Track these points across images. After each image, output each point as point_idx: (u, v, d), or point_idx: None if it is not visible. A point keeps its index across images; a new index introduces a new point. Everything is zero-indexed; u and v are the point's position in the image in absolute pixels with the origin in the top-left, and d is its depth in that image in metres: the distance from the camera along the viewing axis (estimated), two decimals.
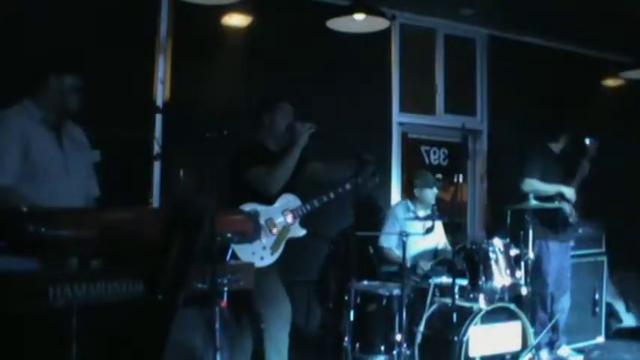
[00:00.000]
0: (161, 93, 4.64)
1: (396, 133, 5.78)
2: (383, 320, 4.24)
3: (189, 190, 3.82)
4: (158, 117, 4.53)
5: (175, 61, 4.70)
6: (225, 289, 2.50)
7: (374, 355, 4.22)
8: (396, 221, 4.88)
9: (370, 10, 4.23)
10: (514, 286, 4.38)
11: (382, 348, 4.21)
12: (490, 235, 5.03)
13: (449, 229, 5.13)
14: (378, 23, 4.40)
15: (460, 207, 5.86)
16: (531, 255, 4.68)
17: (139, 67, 4.54)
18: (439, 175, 5.21)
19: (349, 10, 4.24)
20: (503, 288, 4.32)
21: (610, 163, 5.66)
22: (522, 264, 4.60)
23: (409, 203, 5.04)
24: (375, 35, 4.65)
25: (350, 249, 4.28)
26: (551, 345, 5.11)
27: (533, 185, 4.92)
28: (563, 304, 5.11)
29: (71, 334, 1.99)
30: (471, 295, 4.33)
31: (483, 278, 4.28)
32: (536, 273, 4.89)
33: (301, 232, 3.88)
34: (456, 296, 4.07)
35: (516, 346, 4.24)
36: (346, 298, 4.18)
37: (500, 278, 4.30)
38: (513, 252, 4.48)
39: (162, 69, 4.66)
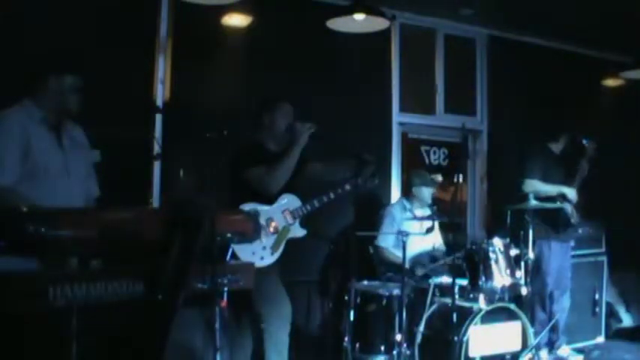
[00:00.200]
0: (161, 93, 4.64)
1: (396, 133, 5.78)
2: (383, 320, 4.24)
3: (189, 190, 3.82)
4: (158, 117, 4.53)
5: (175, 61, 4.70)
6: (225, 289, 2.50)
7: (374, 355, 4.22)
8: (394, 221, 4.88)
9: (370, 10, 4.23)
10: (514, 286, 4.38)
11: (382, 348, 4.21)
12: (490, 235, 5.03)
13: (449, 229, 5.13)
14: (378, 23, 4.40)
15: (460, 207, 5.86)
16: (531, 255, 4.68)
17: (139, 67, 4.54)
18: (439, 175, 5.20)
19: (349, 10, 4.24)
20: (503, 288, 4.32)
21: (610, 163, 5.66)
22: (522, 264, 4.60)
23: (405, 202, 5.04)
24: (375, 35, 4.65)
25: (350, 249, 4.28)
26: (551, 345, 5.11)
27: (535, 186, 4.92)
28: (564, 304, 5.11)
29: (71, 334, 1.99)
30: (471, 295, 4.34)
31: (483, 278, 4.28)
32: (536, 273, 4.90)
33: (301, 232, 3.88)
34: (456, 296, 4.08)
35: (516, 346, 4.24)
36: (346, 298, 4.18)
37: (500, 278, 4.30)
38: (513, 252, 4.48)
39: (162, 69, 4.66)
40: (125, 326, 2.16)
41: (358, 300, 4.26)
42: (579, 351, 5.29)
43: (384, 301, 4.26)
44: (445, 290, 4.46)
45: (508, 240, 4.50)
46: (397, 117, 5.78)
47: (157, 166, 4.52)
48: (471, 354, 4.04)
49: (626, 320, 6.03)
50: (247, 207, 3.66)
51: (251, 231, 2.74)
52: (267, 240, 3.72)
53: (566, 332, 5.17)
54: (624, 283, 6.06)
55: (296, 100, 3.98)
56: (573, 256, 5.33)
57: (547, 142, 5.23)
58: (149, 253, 2.20)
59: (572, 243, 5.29)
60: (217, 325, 2.50)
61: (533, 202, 4.69)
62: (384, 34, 5.32)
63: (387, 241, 4.90)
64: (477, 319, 4.07)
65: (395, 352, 4.11)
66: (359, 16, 4.25)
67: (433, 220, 4.78)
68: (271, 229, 3.74)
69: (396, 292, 4.21)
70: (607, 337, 5.74)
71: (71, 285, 1.98)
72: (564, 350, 5.16)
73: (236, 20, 4.96)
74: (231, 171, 3.78)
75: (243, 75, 4.89)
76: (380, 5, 4.41)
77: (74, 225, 2.06)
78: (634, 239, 5.93)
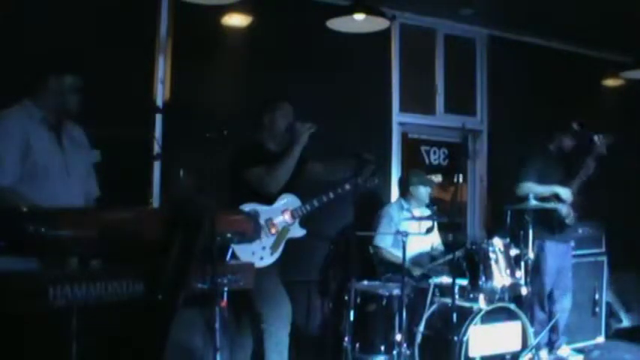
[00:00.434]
0: (161, 93, 4.64)
1: (396, 133, 5.78)
2: (383, 320, 4.24)
3: (189, 190, 3.82)
4: (158, 117, 4.53)
5: (175, 61, 4.70)
6: (225, 289, 2.50)
7: (374, 355, 4.21)
8: (391, 221, 4.88)
9: (370, 10, 4.23)
10: (514, 286, 4.39)
11: (382, 348, 4.21)
12: (490, 235, 5.02)
13: (449, 229, 5.13)
14: (378, 23, 4.40)
15: (460, 207, 5.86)
16: (531, 255, 4.68)
17: (139, 67, 4.54)
18: (438, 175, 5.19)
19: (349, 10, 4.24)
20: (503, 288, 4.32)
21: (610, 163, 5.66)
22: (522, 264, 4.60)
23: (402, 202, 5.04)
24: (375, 35, 4.65)
25: (350, 249, 4.28)
26: (551, 345, 5.11)
27: (529, 189, 4.86)
28: (565, 304, 5.10)
29: (71, 334, 1.99)
30: (471, 295, 4.34)
31: (483, 278, 4.28)
32: (535, 273, 4.89)
33: (301, 232, 3.88)
34: (456, 296, 4.07)
35: (516, 346, 4.24)
36: (346, 298, 4.18)
37: (500, 278, 4.30)
38: (513, 252, 4.48)
39: (163, 69, 4.66)
40: (125, 326, 2.16)
41: (358, 300, 4.26)
42: (579, 351, 5.29)
43: (384, 301, 4.26)
44: (445, 290, 4.45)
45: (508, 240, 4.50)
46: (397, 117, 5.78)
47: (156, 166, 4.52)
48: (470, 354, 4.04)
49: (626, 320, 6.02)
50: (247, 207, 3.66)
51: (251, 231, 2.75)
52: (266, 240, 3.72)
53: (566, 332, 5.17)
54: (624, 283, 6.05)
55: (296, 100, 3.98)
56: (573, 256, 5.32)
57: (546, 142, 5.20)
58: (149, 253, 2.20)
59: (572, 243, 5.28)
60: (217, 325, 2.50)
61: (533, 202, 4.68)
62: (384, 34, 5.32)
63: (385, 241, 4.89)
64: (477, 319, 4.07)
65: (395, 352, 4.11)
66: (359, 16, 4.25)
67: (432, 220, 4.78)
68: (271, 230, 3.74)
69: (396, 292, 4.20)
70: (607, 337, 5.74)
71: (71, 285, 1.98)
72: (564, 350, 5.15)
73: (236, 20, 4.96)
74: (231, 171, 3.79)
75: (243, 75, 4.89)
76: (380, 5, 4.41)
77: (74, 225, 2.06)
78: (634, 239, 5.93)
